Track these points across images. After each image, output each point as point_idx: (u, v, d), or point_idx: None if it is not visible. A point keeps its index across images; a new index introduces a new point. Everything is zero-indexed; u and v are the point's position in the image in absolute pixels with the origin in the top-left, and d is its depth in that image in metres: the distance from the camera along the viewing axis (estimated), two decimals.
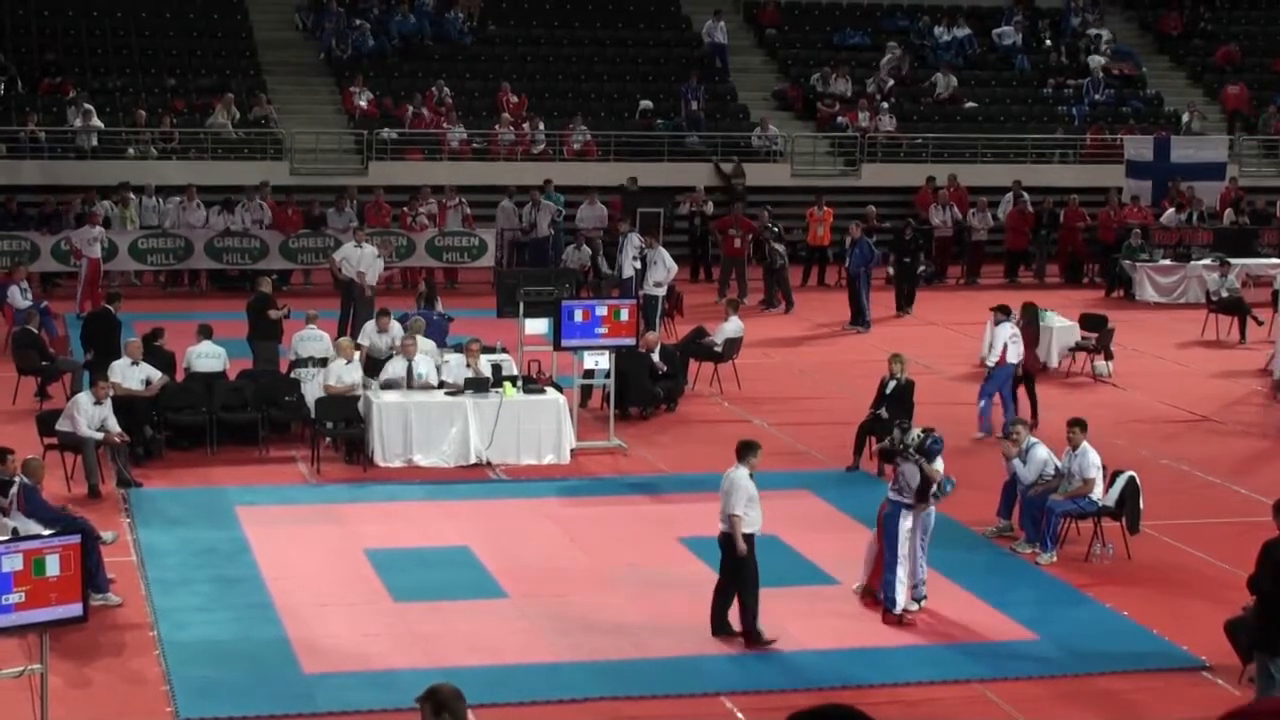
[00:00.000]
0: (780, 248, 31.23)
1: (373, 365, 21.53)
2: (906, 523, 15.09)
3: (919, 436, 15.17)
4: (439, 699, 8.42)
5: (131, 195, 31.74)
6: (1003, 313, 22.13)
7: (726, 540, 14.49)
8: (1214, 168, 36.88)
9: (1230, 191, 36.94)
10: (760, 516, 14.52)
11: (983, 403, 21.93)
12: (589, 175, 35.11)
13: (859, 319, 29.59)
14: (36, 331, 23.33)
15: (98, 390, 19.04)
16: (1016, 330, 21.98)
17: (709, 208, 34.28)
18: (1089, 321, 26.77)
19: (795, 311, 30.79)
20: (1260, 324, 28.81)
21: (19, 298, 25.49)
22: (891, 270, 31.42)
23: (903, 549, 15.08)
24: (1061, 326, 26.24)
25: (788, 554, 16.97)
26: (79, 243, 29.41)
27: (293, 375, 21.63)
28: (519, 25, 40.02)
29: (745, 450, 14.68)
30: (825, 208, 33.89)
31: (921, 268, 31.98)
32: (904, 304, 31.01)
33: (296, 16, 39.02)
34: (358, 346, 21.80)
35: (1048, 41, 42.58)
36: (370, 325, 22.92)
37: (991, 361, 21.84)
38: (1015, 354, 21.67)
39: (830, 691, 13.31)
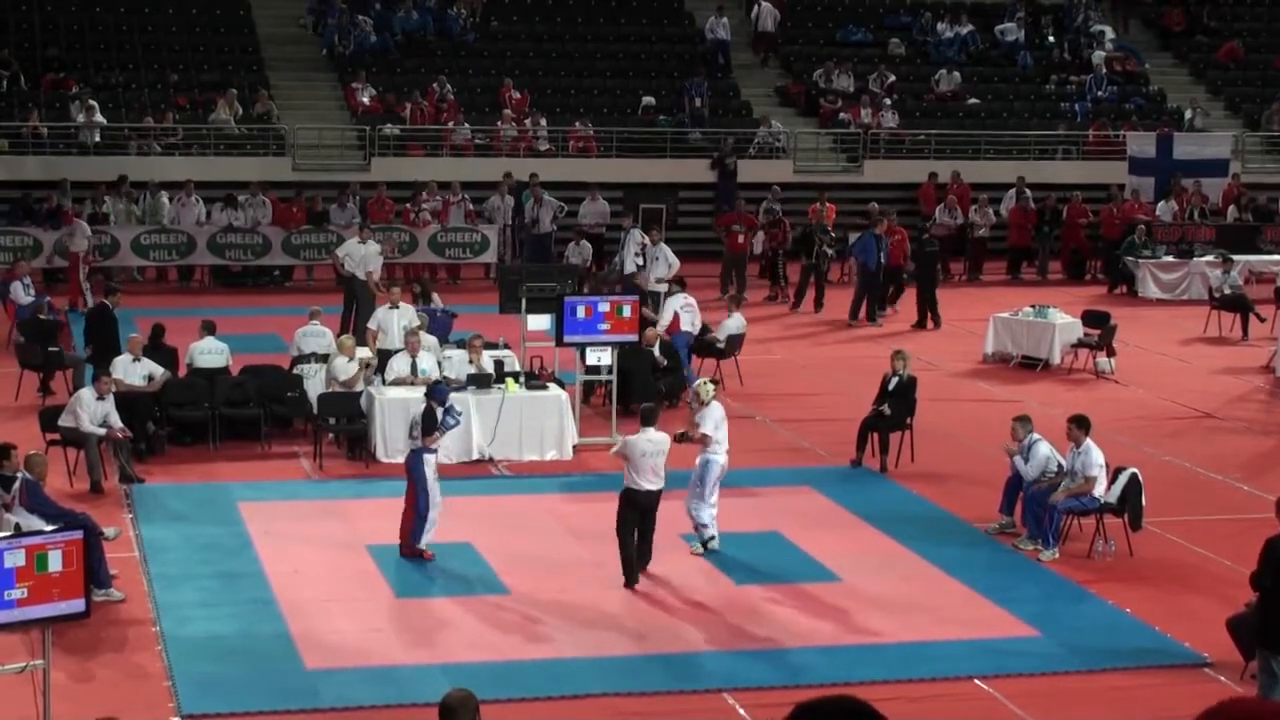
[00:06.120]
0: (830, 251, 31.14)
1: (384, 357, 21.46)
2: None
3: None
4: (442, 713, 8.26)
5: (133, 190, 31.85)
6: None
7: None
8: (1217, 164, 36.87)
9: (1233, 188, 36.93)
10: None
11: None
12: (590, 171, 35.10)
13: (859, 314, 29.58)
14: (44, 318, 23.43)
15: (100, 385, 19.04)
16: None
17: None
18: (1091, 318, 26.72)
19: (796, 307, 30.78)
20: (1263, 320, 28.80)
21: (21, 293, 25.49)
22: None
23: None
24: (1064, 323, 26.22)
25: (790, 550, 17.02)
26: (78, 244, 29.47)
27: (295, 371, 21.63)
28: (521, 21, 40.02)
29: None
30: (828, 204, 33.88)
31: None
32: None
33: (307, 18, 38.95)
34: (364, 339, 21.78)
35: (1050, 38, 42.55)
36: (381, 310, 22.81)
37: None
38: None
39: (832, 688, 13.29)
